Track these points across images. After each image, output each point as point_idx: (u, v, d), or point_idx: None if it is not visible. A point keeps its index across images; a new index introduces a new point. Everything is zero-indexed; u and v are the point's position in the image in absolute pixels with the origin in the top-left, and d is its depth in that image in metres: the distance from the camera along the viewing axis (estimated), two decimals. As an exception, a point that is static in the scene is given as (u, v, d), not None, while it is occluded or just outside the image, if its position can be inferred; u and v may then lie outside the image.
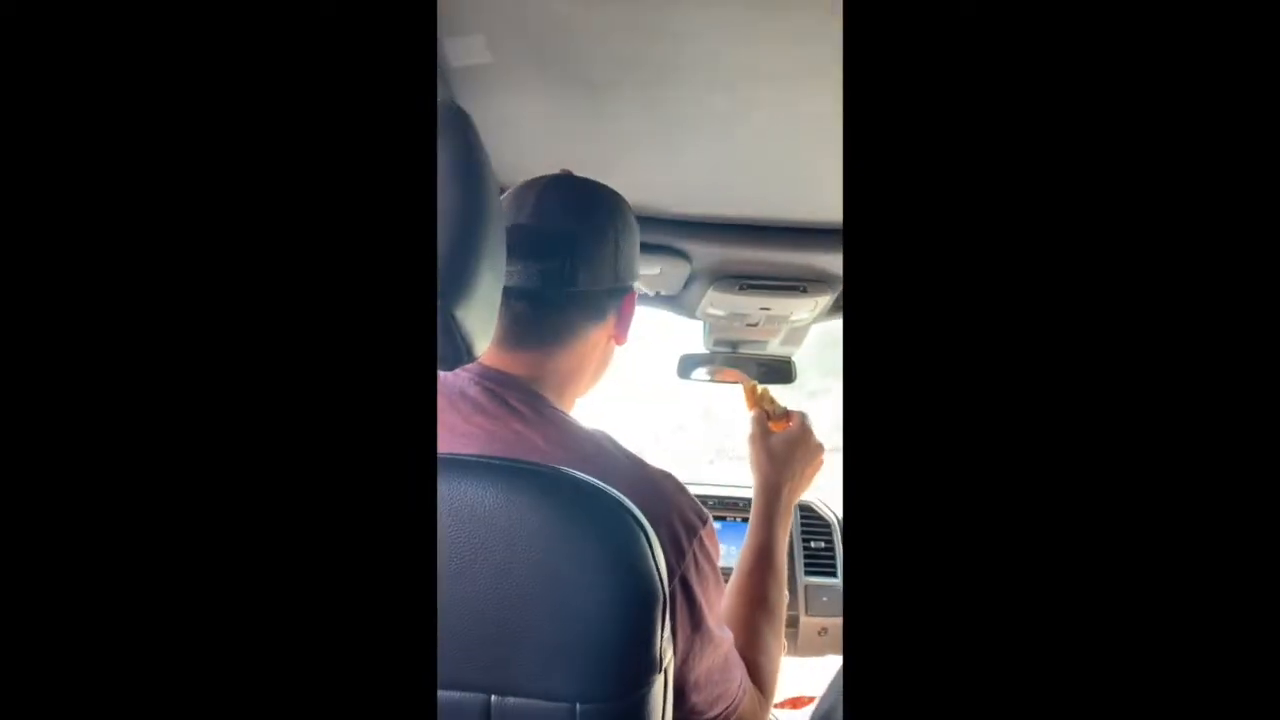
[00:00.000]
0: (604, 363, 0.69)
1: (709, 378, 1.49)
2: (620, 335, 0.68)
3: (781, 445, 0.81)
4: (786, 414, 0.85)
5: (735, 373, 1.47)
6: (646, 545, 0.41)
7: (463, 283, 0.42)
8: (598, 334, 0.66)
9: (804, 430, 0.83)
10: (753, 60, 0.64)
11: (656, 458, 0.63)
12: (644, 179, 0.89)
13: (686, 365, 1.48)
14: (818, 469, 0.85)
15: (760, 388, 0.87)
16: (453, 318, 0.41)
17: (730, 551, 0.99)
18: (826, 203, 0.92)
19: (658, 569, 0.41)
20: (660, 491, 0.57)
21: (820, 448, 0.84)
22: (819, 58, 0.59)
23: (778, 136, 0.77)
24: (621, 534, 0.41)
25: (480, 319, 0.45)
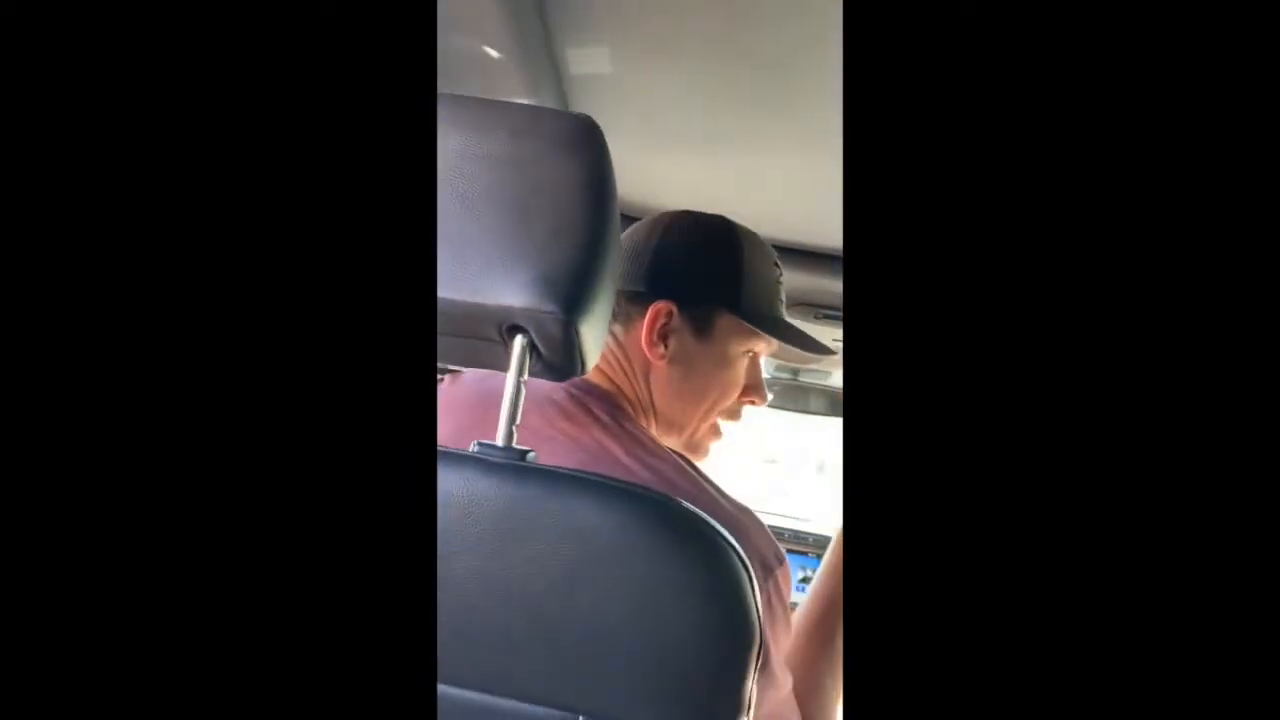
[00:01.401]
0: (671, 389, 0.66)
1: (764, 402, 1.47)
2: (654, 352, 0.65)
3: None
4: None
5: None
6: (749, 585, 0.40)
7: (589, 298, 0.41)
8: (625, 338, 0.65)
9: None
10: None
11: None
12: (740, 199, 0.89)
13: None
14: None
15: None
16: (577, 332, 0.41)
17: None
18: None
19: (757, 610, 0.40)
20: (740, 527, 0.56)
21: None
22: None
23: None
24: (727, 570, 0.40)
25: (597, 334, 0.44)
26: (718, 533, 0.41)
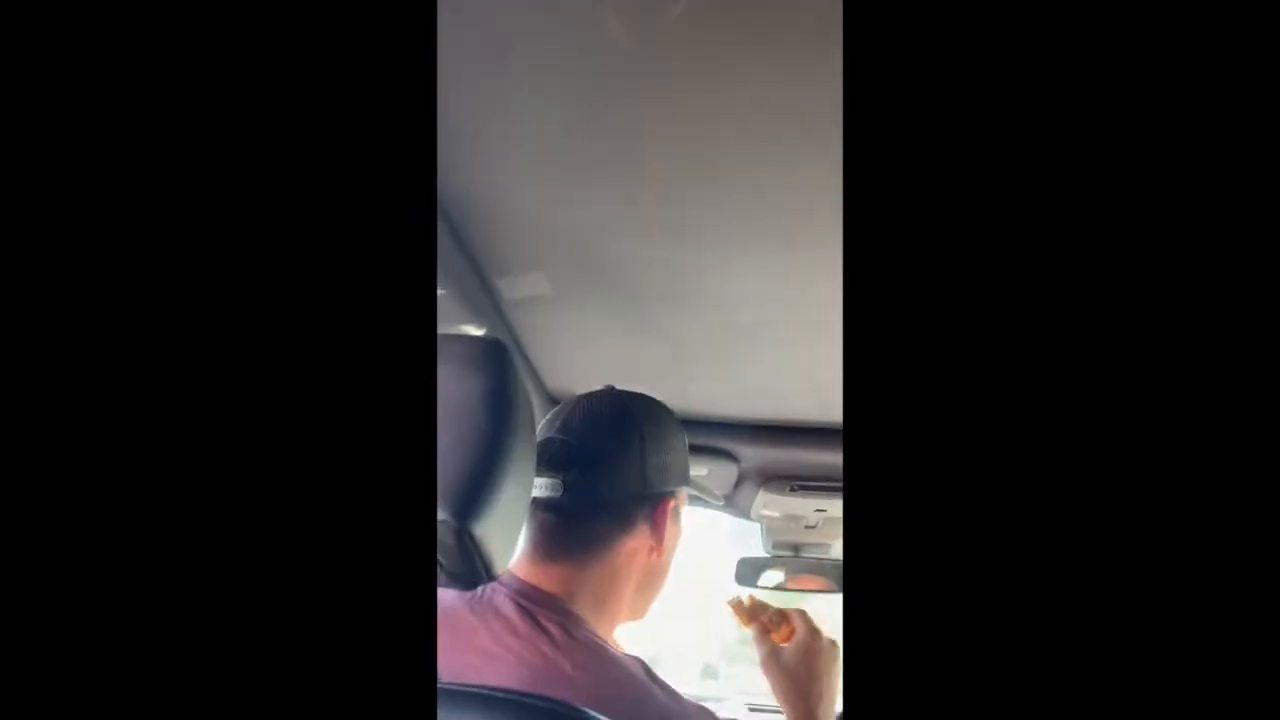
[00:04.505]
0: (647, 580, 0.67)
1: (776, 585, 1.39)
2: (658, 547, 0.66)
3: (795, 659, 0.72)
4: (785, 617, 0.76)
5: (819, 580, 1.35)
6: None
7: (481, 505, 0.43)
8: (630, 544, 0.65)
9: (811, 633, 0.74)
10: (776, 287, 0.69)
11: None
12: (690, 385, 0.93)
13: (747, 569, 1.39)
14: (841, 667, 0.76)
15: (749, 598, 0.79)
16: (471, 537, 0.42)
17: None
18: None
19: None
20: None
21: (835, 644, 0.74)
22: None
23: (812, 344, 0.80)
24: None
25: (501, 539, 0.45)
26: None
